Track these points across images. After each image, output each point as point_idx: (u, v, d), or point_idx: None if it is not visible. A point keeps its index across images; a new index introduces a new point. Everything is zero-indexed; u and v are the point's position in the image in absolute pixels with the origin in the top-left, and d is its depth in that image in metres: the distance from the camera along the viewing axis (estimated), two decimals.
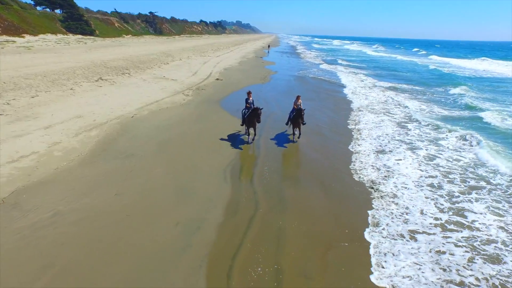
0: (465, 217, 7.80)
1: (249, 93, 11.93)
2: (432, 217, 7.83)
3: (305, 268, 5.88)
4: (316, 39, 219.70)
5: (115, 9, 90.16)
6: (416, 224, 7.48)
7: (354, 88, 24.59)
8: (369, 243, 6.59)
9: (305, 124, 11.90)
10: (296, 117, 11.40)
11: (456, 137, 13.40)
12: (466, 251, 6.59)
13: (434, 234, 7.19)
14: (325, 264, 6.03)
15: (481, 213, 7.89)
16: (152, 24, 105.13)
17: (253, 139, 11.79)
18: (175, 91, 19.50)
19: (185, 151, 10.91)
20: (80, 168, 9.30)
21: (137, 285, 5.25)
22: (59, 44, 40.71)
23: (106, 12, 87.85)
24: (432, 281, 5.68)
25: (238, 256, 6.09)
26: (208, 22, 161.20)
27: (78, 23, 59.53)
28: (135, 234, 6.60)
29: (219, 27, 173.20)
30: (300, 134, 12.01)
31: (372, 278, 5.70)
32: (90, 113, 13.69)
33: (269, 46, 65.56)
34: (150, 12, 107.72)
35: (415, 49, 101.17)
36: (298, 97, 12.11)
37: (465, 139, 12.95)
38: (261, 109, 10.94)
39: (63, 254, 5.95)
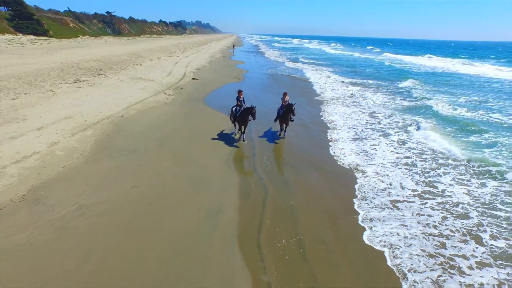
0: (437, 187, 9.29)
1: (240, 92, 12.00)
2: (410, 189, 9.20)
3: (321, 236, 6.85)
4: (276, 38, 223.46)
5: (68, 8, 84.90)
6: (398, 195, 8.78)
7: (323, 84, 26.25)
8: (359, 213, 7.73)
9: (293, 120, 12.28)
10: (286, 112, 11.66)
11: (419, 123, 15.25)
12: (441, 212, 7.98)
13: (413, 202, 8.53)
14: (335, 232, 7.05)
15: (449, 184, 9.44)
16: (110, 25, 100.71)
17: (244, 138, 11.87)
18: (156, 90, 19.60)
19: (184, 146, 11.41)
20: (88, 165, 9.48)
21: (175, 264, 5.83)
22: (11, 45, 37.93)
23: (59, 11, 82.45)
24: (415, 235, 6.94)
25: (262, 232, 6.89)
26: (168, 22, 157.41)
27: (28, 23, 55.47)
28: (162, 220, 7.14)
29: (179, 27, 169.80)
30: (285, 131, 12.34)
31: (368, 239, 6.81)
32: (78, 113, 13.57)
33: (234, 46, 66.24)
34: (107, 12, 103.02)
35: (369, 47, 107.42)
36: (285, 94, 12.43)
37: (423, 127, 14.79)
38: (255, 107, 11.02)
39: (101, 241, 6.35)
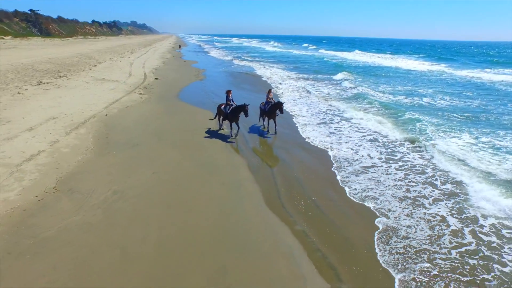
0: (397, 156, 11.67)
1: (229, 91, 12.34)
2: (377, 158, 11.41)
3: (328, 196, 8.52)
4: (215, 37, 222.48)
5: None
6: (368, 163, 10.91)
7: (276, 79, 28.41)
8: (337, 178, 9.61)
9: (277, 115, 12.91)
10: (274, 109, 12.27)
11: (370, 108, 18.04)
12: (403, 171, 10.27)
13: (381, 166, 10.72)
14: (336, 192, 8.80)
15: (406, 153, 11.93)
16: (36, 24, 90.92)
17: (236, 134, 12.28)
18: (126, 90, 19.57)
19: (182, 138, 12.24)
20: (100, 158, 9.88)
21: (226, 225, 6.96)
22: None
23: None
24: (387, 187, 9.03)
25: (281, 197, 8.31)
26: (102, 23, 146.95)
27: None
28: (195, 195, 8.17)
29: (114, 27, 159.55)
30: (276, 125, 12.85)
31: (350, 195, 8.68)
32: (61, 114, 13.39)
33: (180, 47, 65.62)
34: (31, 10, 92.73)
35: (305, 45, 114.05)
36: (269, 91, 13.09)
37: (370, 112, 17.61)
38: (248, 105, 11.53)
39: (153, 216, 7.13)
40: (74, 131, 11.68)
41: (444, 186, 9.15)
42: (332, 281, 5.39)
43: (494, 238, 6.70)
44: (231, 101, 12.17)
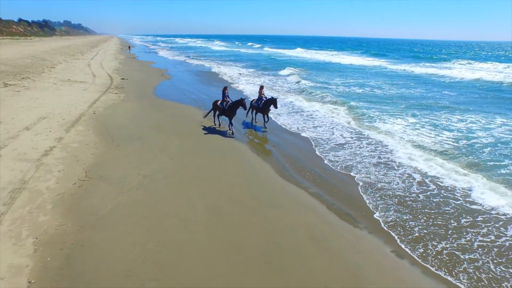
0: (364, 135, 13.90)
1: (225, 88, 12.80)
2: (348, 137, 13.53)
3: (323, 168, 10.16)
4: (158, 38, 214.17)
5: None
6: (341, 141, 12.93)
7: (235, 75, 29.91)
8: (327, 154, 11.52)
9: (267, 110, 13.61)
10: (268, 105, 12.90)
11: (324, 98, 20.43)
12: (373, 145, 12.48)
13: (353, 143, 12.84)
14: (327, 164, 10.58)
15: (370, 133, 14.27)
16: None
17: (232, 129, 12.54)
18: (100, 90, 19.33)
19: (181, 130, 13.00)
20: (113, 150, 10.37)
21: (251, 190, 8.18)
22: None
23: None
24: (362, 157, 11.08)
25: (289, 170, 9.74)
26: (31, 22, 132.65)
27: None
28: (218, 172, 9.20)
29: (46, 27, 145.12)
30: (268, 119, 13.48)
31: (333, 166, 10.56)
32: (49, 114, 13.22)
33: (129, 47, 63.32)
34: None
35: (250, 43, 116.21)
36: (261, 87, 13.61)
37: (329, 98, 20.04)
38: (245, 99, 12.21)
39: (191, 189, 7.98)
40: (72, 129, 11.78)
41: (406, 151, 11.48)
42: (352, 223, 7.04)
43: (447, 183, 9.03)
44: (228, 97, 12.60)
